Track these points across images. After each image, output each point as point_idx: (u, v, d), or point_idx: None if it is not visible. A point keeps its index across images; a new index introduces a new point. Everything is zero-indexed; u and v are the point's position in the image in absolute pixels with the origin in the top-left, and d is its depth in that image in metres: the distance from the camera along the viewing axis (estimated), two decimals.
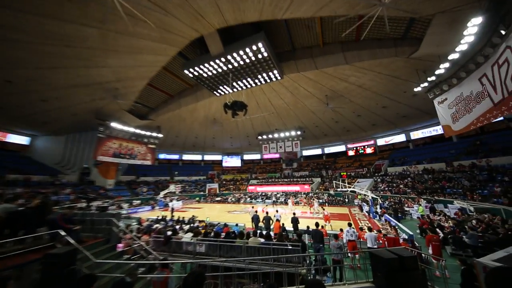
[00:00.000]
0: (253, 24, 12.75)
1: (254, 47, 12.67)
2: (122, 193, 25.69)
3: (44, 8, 9.13)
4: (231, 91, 18.58)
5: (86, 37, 10.97)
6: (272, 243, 5.36)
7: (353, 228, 7.28)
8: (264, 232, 6.87)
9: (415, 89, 15.41)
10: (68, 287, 3.22)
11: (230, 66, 14.61)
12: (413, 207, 15.08)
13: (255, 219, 10.77)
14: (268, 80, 16.97)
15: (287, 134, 25.98)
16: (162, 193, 26.00)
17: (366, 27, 12.40)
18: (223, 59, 13.80)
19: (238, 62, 13.98)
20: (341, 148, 35.59)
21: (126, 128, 24.11)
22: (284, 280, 4.10)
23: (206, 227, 9.82)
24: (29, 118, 19.24)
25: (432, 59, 13.01)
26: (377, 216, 14.65)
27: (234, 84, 17.40)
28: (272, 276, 4.21)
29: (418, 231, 10.10)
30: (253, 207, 13.72)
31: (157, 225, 9.50)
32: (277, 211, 11.60)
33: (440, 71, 12.64)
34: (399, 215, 13.72)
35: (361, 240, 7.78)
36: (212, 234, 6.78)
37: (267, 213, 10.71)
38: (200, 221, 11.67)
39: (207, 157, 43.18)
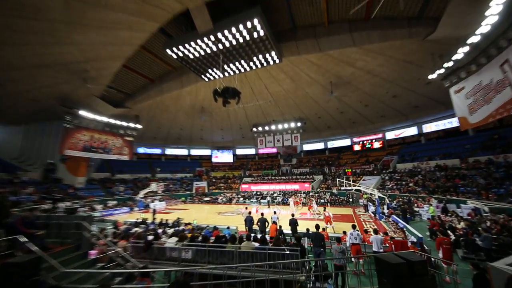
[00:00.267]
0: None
1: (249, 24, 12.37)
2: (95, 192, 25.38)
3: None
4: (221, 75, 18.28)
5: (48, 7, 10.39)
6: (267, 247, 5.41)
7: (357, 230, 7.45)
8: (259, 236, 6.94)
9: (430, 76, 15.60)
10: None
11: (220, 46, 14.28)
12: (423, 207, 15.59)
13: (249, 221, 10.87)
14: (265, 64, 16.75)
15: (286, 126, 26.04)
16: (142, 193, 25.83)
17: (377, 4, 12.29)
18: (212, 38, 13.46)
19: (230, 41, 13.66)
20: (346, 142, 36.09)
21: (98, 117, 23.51)
22: None
23: (193, 230, 9.84)
24: None
25: (450, 42, 13.13)
26: (384, 217, 15.08)
27: (226, 67, 17.10)
28: (268, 284, 4.27)
29: (428, 233, 10.48)
30: (246, 208, 13.82)
31: (136, 229, 9.46)
32: (274, 212, 11.72)
33: (458, 56, 12.80)
34: (408, 216, 14.16)
35: (366, 243, 8.03)
36: (200, 238, 6.79)
37: (262, 214, 10.82)
38: (186, 224, 11.70)
39: (194, 152, 43.05)
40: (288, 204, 24.41)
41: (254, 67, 17.29)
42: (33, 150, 24.39)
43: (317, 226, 7.34)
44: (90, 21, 11.71)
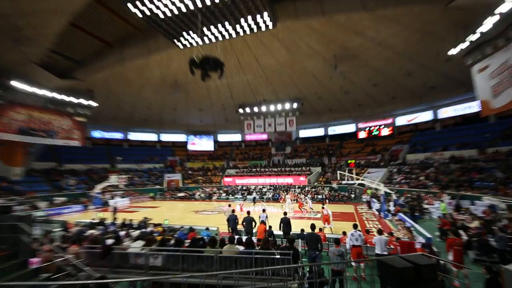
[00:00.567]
0: None
1: None
2: (37, 187, 24.57)
3: None
4: (200, 41, 17.66)
5: None
6: (254, 251, 5.51)
7: (359, 230, 7.75)
8: (244, 238, 7.03)
9: (451, 52, 16.01)
10: None
11: (198, 3, 13.61)
12: (433, 204, 16.52)
13: (232, 221, 10.92)
14: (255, 29, 16.29)
15: (279, 107, 26.01)
16: (98, 187, 25.32)
17: None
18: None
19: None
20: (350, 128, 36.89)
21: (38, 90, 22.17)
22: None
23: (163, 232, 9.80)
24: None
25: (477, 11, 13.36)
26: (390, 215, 15.85)
27: (205, 31, 16.46)
28: None
29: (437, 233, 11.19)
30: (229, 205, 13.96)
31: (92, 231, 9.33)
32: (263, 210, 11.94)
33: (484, 27, 13.11)
34: (416, 214, 14.96)
35: (368, 245, 8.42)
36: (172, 241, 6.79)
37: (248, 213, 10.97)
38: (155, 225, 11.63)
39: (166, 137, 42.58)
40: (279, 201, 25.02)
41: (241, 33, 16.78)
42: None
43: (313, 226, 7.55)
44: None
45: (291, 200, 21.66)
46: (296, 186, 29.70)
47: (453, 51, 15.73)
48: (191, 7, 13.92)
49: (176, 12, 14.35)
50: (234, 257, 5.45)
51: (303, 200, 21.11)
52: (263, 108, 26.55)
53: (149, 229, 10.55)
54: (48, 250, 6.35)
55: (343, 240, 8.37)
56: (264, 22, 15.59)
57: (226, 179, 34.81)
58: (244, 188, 31.81)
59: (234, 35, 16.93)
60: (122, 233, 9.15)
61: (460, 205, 14.59)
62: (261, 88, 28.76)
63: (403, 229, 11.46)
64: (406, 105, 29.69)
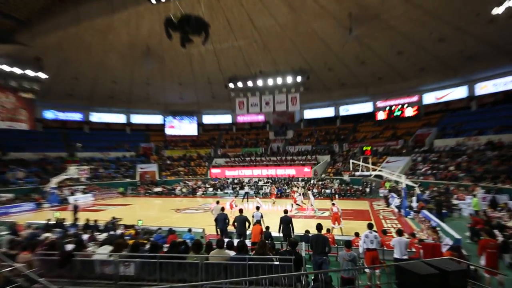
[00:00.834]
0: None
1: None
2: None
3: None
4: None
5: None
6: (248, 257, 5.60)
7: (374, 231, 7.91)
8: (235, 241, 7.14)
9: (495, 11, 15.86)
10: None
11: None
12: (464, 200, 16.95)
13: (221, 220, 11.04)
14: None
15: (280, 81, 25.73)
16: (54, 181, 25.22)
17: None
18: None
19: None
20: (366, 107, 36.97)
21: None
22: None
23: (136, 235, 9.89)
24: None
25: None
26: (411, 212, 16.20)
27: None
28: None
29: (468, 233, 11.51)
30: (218, 202, 14.02)
31: (47, 234, 9.33)
32: (257, 208, 12.09)
33: None
34: (444, 211, 15.36)
35: (385, 248, 8.63)
36: (148, 246, 6.85)
37: (241, 211, 11.09)
38: (126, 227, 11.66)
39: (137, 119, 42.32)
40: (283, 197, 25.35)
41: None
42: None
43: (319, 226, 7.68)
44: None
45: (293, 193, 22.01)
46: (299, 179, 30.03)
47: (497, 10, 15.58)
48: None
49: None
50: (223, 264, 5.52)
51: (298, 193, 21.22)
52: (259, 83, 26.25)
53: (118, 231, 10.60)
54: None
55: (355, 243, 8.54)
56: None
57: (214, 171, 34.89)
58: (235, 181, 32.02)
59: None
60: (85, 236, 9.19)
61: (496, 201, 14.97)
62: (257, 57, 28.34)
63: (427, 229, 11.75)
64: (437, 78, 29.71)
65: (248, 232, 10.31)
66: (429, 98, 32.34)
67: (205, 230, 11.94)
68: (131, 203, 25.51)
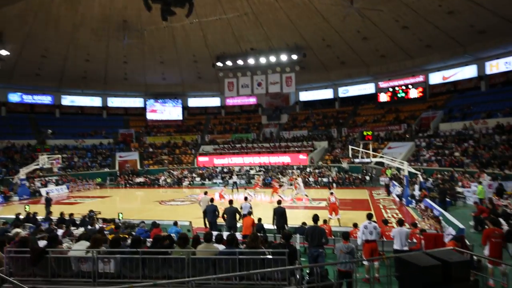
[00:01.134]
0: None
1: None
2: None
3: None
4: None
5: None
6: (238, 250, 5.68)
7: (374, 221, 8.07)
8: (225, 234, 7.22)
9: None
10: None
11: None
12: (470, 187, 17.37)
13: (211, 212, 11.16)
14: None
15: (273, 59, 25.56)
16: (23, 172, 24.94)
17: None
18: None
19: None
20: (368, 88, 37.12)
21: None
22: None
23: (117, 229, 9.96)
24: None
25: None
26: (413, 201, 16.55)
27: None
28: None
29: (471, 222, 11.82)
30: (206, 193, 14.10)
31: (17, 229, 9.25)
32: (245, 198, 12.28)
33: None
34: (448, 199, 15.74)
35: (385, 239, 8.83)
36: (129, 241, 6.89)
37: (231, 202, 11.20)
38: (105, 220, 11.70)
39: (115, 102, 41.94)
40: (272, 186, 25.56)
41: None
42: None
43: (316, 218, 7.82)
44: None
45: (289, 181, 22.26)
46: (295, 167, 30.27)
47: None
48: None
49: None
50: (212, 258, 5.60)
51: (283, 182, 21.31)
52: (251, 61, 26.06)
53: (97, 225, 10.64)
54: None
55: (353, 234, 8.75)
56: None
57: (201, 159, 34.87)
58: (225, 170, 32.10)
59: None
60: (59, 231, 9.18)
61: (503, 188, 15.37)
62: (248, 32, 27.98)
63: (429, 219, 12.07)
64: (444, 56, 29.82)
65: (239, 225, 10.45)
66: (436, 78, 32.58)
67: (192, 223, 12.02)
68: (111, 195, 25.47)
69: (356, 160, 20.94)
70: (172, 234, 8.17)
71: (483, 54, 28.33)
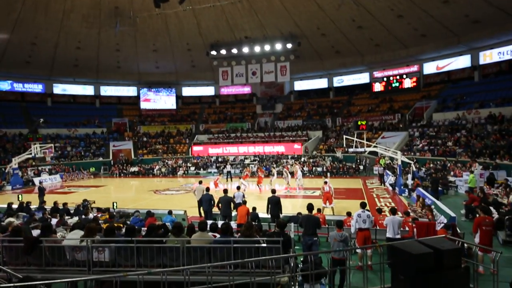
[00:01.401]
0: None
1: None
2: None
3: None
4: None
5: None
6: (233, 239, 5.72)
7: (367, 210, 8.20)
8: (219, 223, 7.26)
9: None
10: None
11: None
12: (462, 177, 17.64)
13: (206, 201, 11.26)
14: None
15: (268, 48, 25.36)
16: (16, 161, 24.72)
17: None
18: None
19: None
20: (362, 78, 37.19)
21: None
22: None
23: (111, 219, 9.94)
24: None
25: None
26: (406, 191, 16.81)
27: None
28: None
29: (463, 211, 12.06)
30: (201, 182, 14.14)
31: (10, 219, 9.20)
32: (238, 188, 12.46)
33: None
34: (440, 188, 16.00)
35: (378, 227, 8.98)
36: (124, 230, 6.90)
37: (225, 191, 11.27)
38: (99, 210, 11.71)
39: (108, 91, 41.56)
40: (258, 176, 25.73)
41: None
42: None
43: (310, 207, 7.89)
44: None
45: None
46: (289, 156, 30.38)
47: None
48: None
49: None
50: (206, 247, 5.63)
51: (270, 172, 21.32)
52: (245, 50, 25.83)
53: (91, 215, 10.60)
54: None
55: (347, 223, 8.88)
56: None
57: (196, 148, 34.81)
58: (219, 159, 32.14)
59: None
60: (53, 221, 9.16)
61: (494, 177, 15.62)
62: (242, 20, 27.63)
63: (422, 208, 12.27)
64: (439, 46, 29.86)
65: (233, 214, 10.51)
66: (430, 68, 32.66)
67: (187, 212, 12.08)
68: (105, 185, 25.50)
69: (350, 150, 21.18)
70: (167, 223, 8.19)
71: (477, 44, 28.42)
